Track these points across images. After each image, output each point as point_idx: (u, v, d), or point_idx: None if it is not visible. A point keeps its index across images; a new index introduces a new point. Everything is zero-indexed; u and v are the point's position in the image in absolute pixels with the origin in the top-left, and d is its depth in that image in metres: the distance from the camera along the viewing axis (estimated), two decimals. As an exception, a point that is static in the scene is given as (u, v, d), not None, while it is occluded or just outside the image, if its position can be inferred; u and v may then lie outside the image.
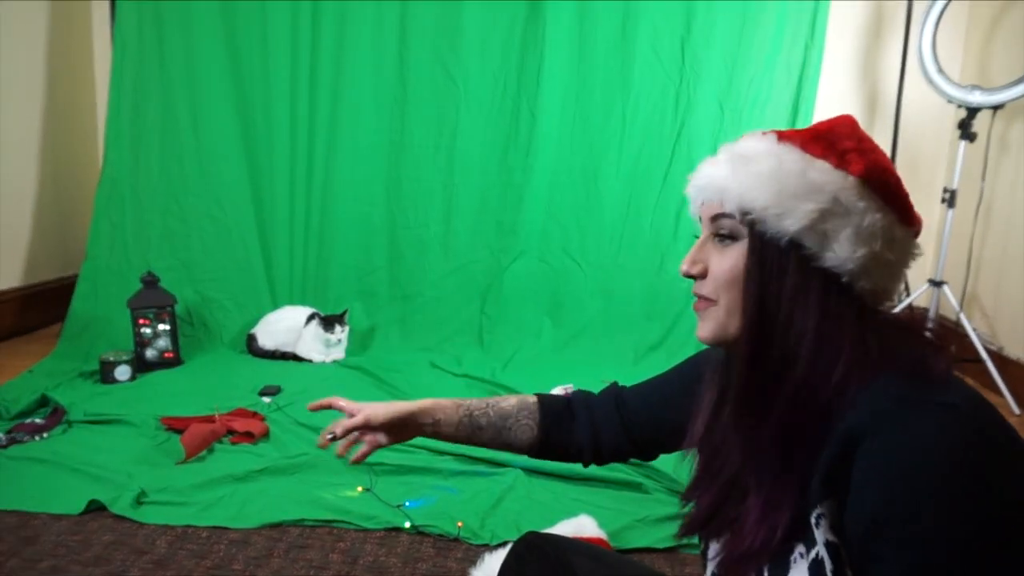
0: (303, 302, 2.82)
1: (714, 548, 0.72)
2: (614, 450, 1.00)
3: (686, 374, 0.90)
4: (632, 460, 1.06)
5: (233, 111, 2.88)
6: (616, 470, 1.74)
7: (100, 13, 3.12)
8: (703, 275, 0.68)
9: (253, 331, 2.68)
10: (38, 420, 1.96)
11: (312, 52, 2.85)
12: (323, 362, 2.60)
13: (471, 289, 2.88)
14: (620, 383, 1.02)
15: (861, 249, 0.61)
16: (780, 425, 0.62)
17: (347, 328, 2.62)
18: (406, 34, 2.84)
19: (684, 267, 0.69)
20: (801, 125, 2.79)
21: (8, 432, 1.86)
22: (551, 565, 0.86)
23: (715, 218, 0.67)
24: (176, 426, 1.91)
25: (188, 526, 1.48)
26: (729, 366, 0.70)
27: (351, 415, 1.00)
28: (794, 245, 0.62)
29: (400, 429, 1.01)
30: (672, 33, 2.79)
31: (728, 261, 0.66)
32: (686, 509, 0.77)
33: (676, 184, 2.85)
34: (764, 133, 0.68)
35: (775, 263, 0.63)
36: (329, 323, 2.58)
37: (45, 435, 1.87)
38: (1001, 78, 2.54)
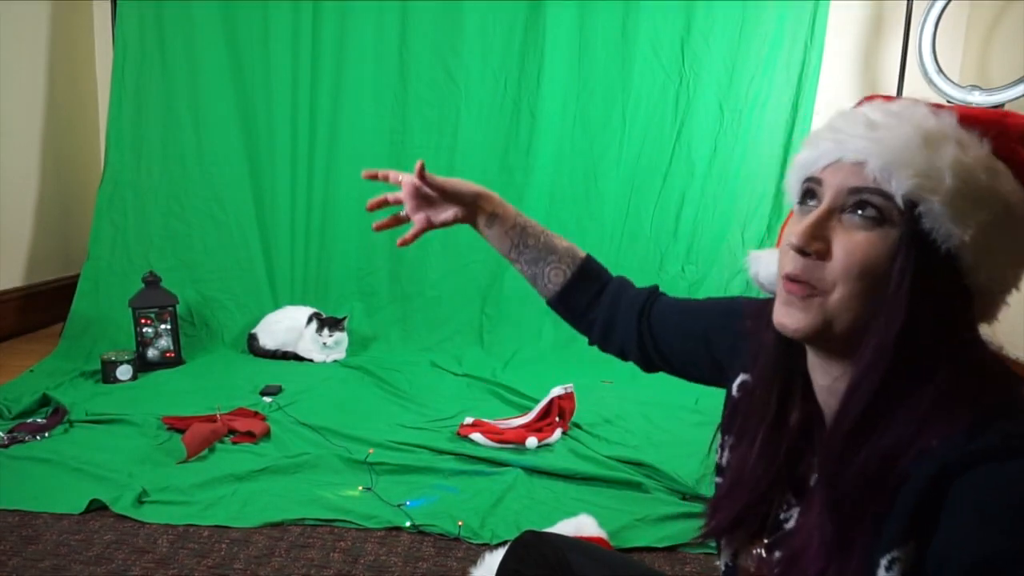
0: (304, 302, 2.82)
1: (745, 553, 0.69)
2: (620, 345, 0.97)
3: (720, 317, 0.82)
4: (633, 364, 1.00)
5: (234, 111, 2.88)
6: (616, 470, 1.75)
7: (101, 13, 3.12)
8: (822, 256, 0.56)
9: (254, 331, 2.69)
10: (39, 420, 1.97)
11: (313, 52, 2.85)
12: (324, 362, 2.60)
13: (471, 289, 2.89)
14: (661, 291, 0.98)
15: (1018, 270, 0.55)
16: (878, 452, 0.54)
17: (343, 334, 2.61)
18: (406, 34, 2.84)
19: (799, 241, 0.56)
20: (801, 125, 2.80)
21: (9, 432, 1.86)
22: (549, 565, 0.87)
23: (858, 190, 0.55)
24: (177, 426, 1.91)
25: (189, 525, 1.48)
26: (791, 359, 0.64)
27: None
28: (952, 255, 0.53)
29: (455, 201, 1.00)
30: (672, 33, 2.79)
31: (865, 247, 0.54)
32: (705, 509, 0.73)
33: (676, 184, 2.86)
34: (939, 107, 0.57)
35: (928, 270, 0.53)
36: (322, 325, 2.58)
37: (46, 435, 1.87)
38: (1001, 78, 2.54)
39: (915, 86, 2.69)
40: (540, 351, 2.74)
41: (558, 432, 1.93)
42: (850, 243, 0.55)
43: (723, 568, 0.72)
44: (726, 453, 0.74)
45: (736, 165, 2.83)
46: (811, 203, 0.59)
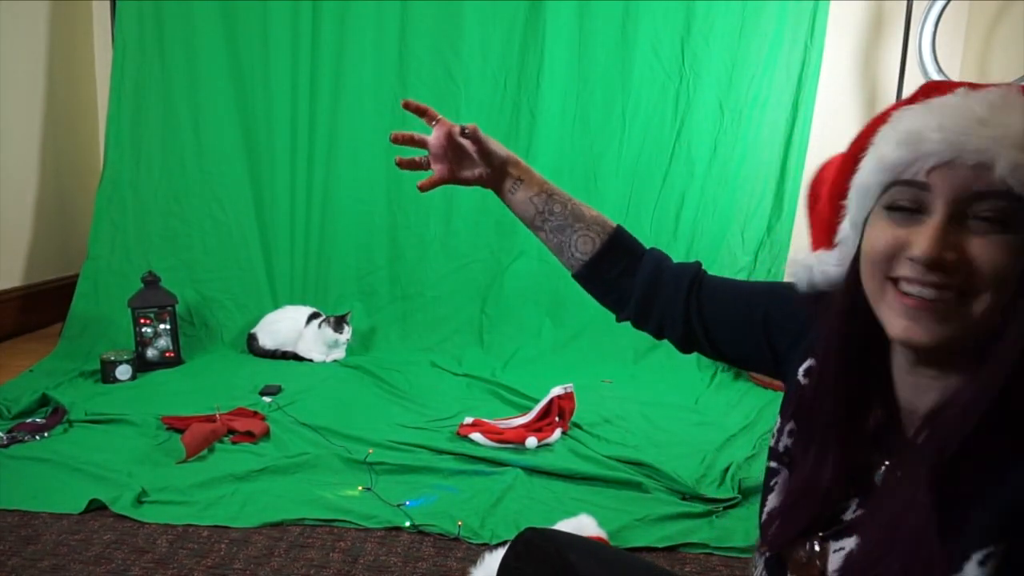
0: (304, 302, 2.82)
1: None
2: (659, 321, 0.91)
3: (781, 302, 0.79)
4: (665, 340, 0.94)
5: (234, 111, 2.88)
6: (616, 470, 1.75)
7: (101, 13, 3.12)
8: (955, 266, 0.53)
9: (254, 331, 2.69)
10: (39, 419, 1.97)
11: (312, 52, 2.85)
12: (323, 362, 2.60)
13: (471, 289, 2.89)
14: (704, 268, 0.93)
15: None
16: (986, 453, 0.53)
17: (351, 328, 2.63)
18: (406, 34, 2.84)
19: (932, 252, 0.52)
20: (801, 125, 2.80)
21: (9, 431, 1.86)
22: (550, 563, 0.86)
23: (985, 195, 0.52)
24: (177, 425, 1.91)
25: (189, 525, 1.48)
26: (867, 358, 0.63)
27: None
28: None
29: (486, 161, 0.97)
30: (672, 33, 2.79)
31: (1008, 254, 0.52)
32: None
33: (676, 184, 2.85)
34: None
35: None
36: (339, 323, 2.58)
37: (46, 434, 1.87)
38: (1000, 78, 2.55)
39: (915, 86, 2.69)
40: (540, 351, 2.74)
41: (558, 432, 1.93)
42: (990, 251, 0.52)
43: (762, 560, 0.70)
44: (784, 439, 0.72)
45: (736, 165, 2.82)
46: (908, 208, 0.56)
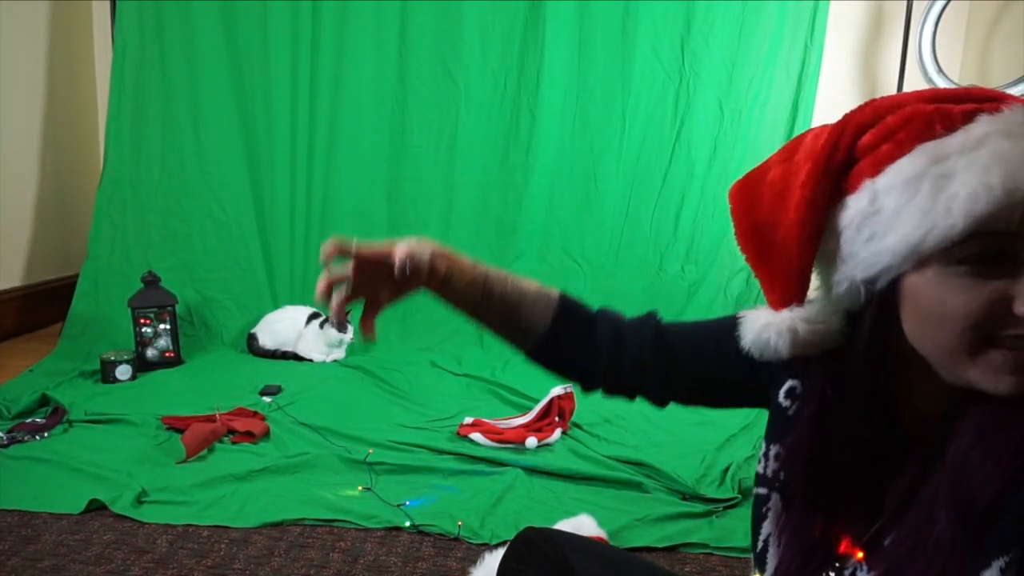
0: (303, 302, 2.82)
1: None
2: (633, 381, 0.83)
3: (726, 341, 0.74)
4: (639, 397, 0.86)
5: (234, 111, 2.88)
6: (616, 470, 1.75)
7: (101, 13, 3.12)
8: None
9: (254, 331, 2.69)
10: (39, 419, 1.96)
11: (312, 52, 2.85)
12: (323, 362, 2.60)
13: (471, 289, 2.88)
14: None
15: None
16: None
17: (352, 326, 2.64)
18: (406, 34, 2.84)
19: None
20: (801, 125, 2.80)
21: (9, 431, 1.86)
22: (551, 565, 0.86)
23: None
24: (177, 425, 1.91)
25: (189, 525, 1.48)
26: (884, 389, 0.61)
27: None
28: None
29: (418, 276, 0.80)
30: (672, 33, 2.79)
31: None
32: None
33: (676, 184, 2.86)
34: None
35: None
36: (342, 322, 2.58)
37: (46, 434, 1.87)
38: (1000, 78, 2.55)
39: (915, 86, 2.69)
40: (540, 351, 2.73)
41: (558, 432, 1.93)
42: None
43: None
44: (771, 463, 0.70)
45: (736, 165, 2.82)
46: (988, 259, 0.51)
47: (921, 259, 0.53)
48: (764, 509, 0.69)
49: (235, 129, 2.89)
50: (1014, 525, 0.51)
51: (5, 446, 1.79)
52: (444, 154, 2.90)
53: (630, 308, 2.67)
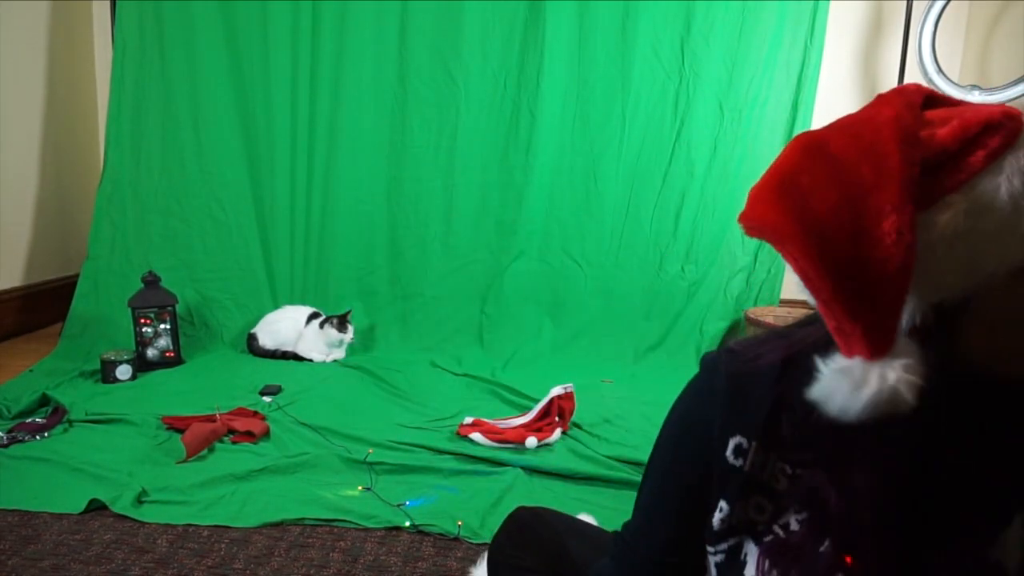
0: (304, 302, 2.82)
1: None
2: None
3: (691, 473, 0.70)
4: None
5: (234, 111, 2.88)
6: (616, 470, 1.75)
7: (101, 13, 3.12)
8: None
9: (254, 331, 2.69)
10: (39, 419, 1.97)
11: (312, 52, 2.86)
12: (324, 361, 2.60)
13: (471, 289, 2.89)
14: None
15: None
16: None
17: (353, 326, 2.64)
18: (406, 34, 2.84)
19: None
20: (801, 125, 2.80)
21: (9, 431, 1.86)
22: (547, 552, 0.86)
23: None
24: (177, 425, 1.91)
25: (189, 525, 1.48)
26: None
27: None
28: None
29: None
30: (672, 33, 2.79)
31: None
32: None
33: (676, 184, 2.86)
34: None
35: None
36: (342, 323, 2.58)
37: (46, 434, 1.87)
38: (1000, 78, 2.55)
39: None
40: (540, 351, 2.74)
41: (558, 432, 1.93)
42: None
43: None
44: (727, 517, 0.67)
45: (736, 165, 2.83)
46: None
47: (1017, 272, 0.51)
48: (742, 557, 0.67)
49: (235, 129, 2.89)
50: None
51: (5, 446, 1.79)
52: (444, 154, 2.90)
53: (630, 308, 2.68)
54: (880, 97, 0.57)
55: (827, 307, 0.53)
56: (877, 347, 0.52)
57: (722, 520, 0.67)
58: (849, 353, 0.53)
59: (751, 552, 0.66)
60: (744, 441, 0.65)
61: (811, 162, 0.55)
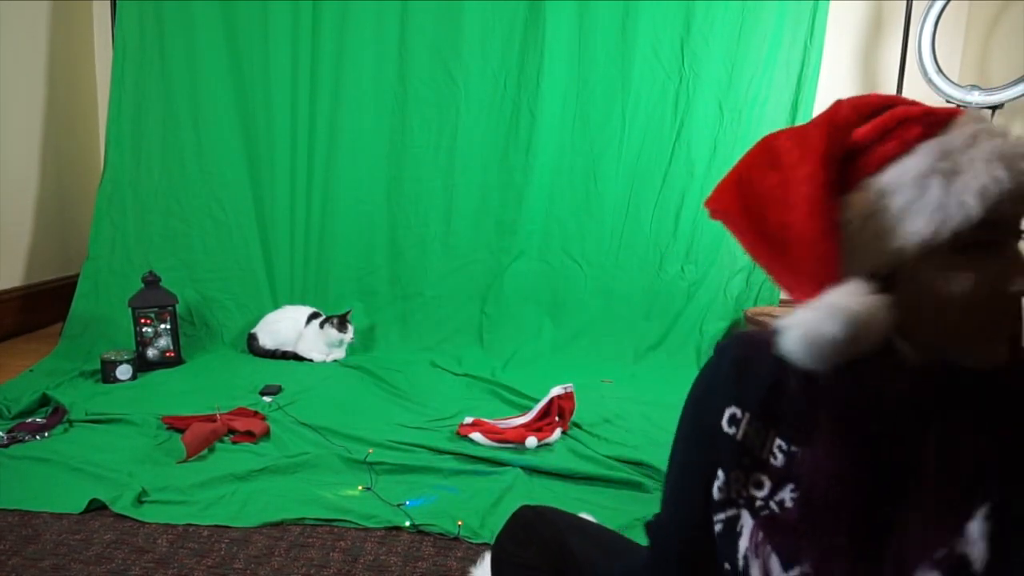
0: (304, 302, 2.82)
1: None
2: None
3: (704, 451, 0.73)
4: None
5: (234, 111, 2.88)
6: (617, 470, 1.75)
7: (101, 13, 3.12)
8: None
9: (254, 331, 2.69)
10: (39, 419, 1.97)
11: (312, 52, 2.86)
12: (324, 361, 2.60)
13: (471, 289, 2.89)
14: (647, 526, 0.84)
15: None
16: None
17: (353, 326, 2.64)
18: (406, 34, 2.84)
19: None
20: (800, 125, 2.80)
21: (9, 431, 1.86)
22: (549, 550, 0.86)
23: None
24: (177, 425, 1.91)
25: (189, 525, 1.48)
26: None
27: None
28: None
29: None
30: (672, 33, 2.79)
31: None
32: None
33: (676, 184, 2.86)
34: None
35: None
36: (342, 323, 2.58)
37: (46, 434, 1.87)
38: (1000, 78, 2.55)
39: (915, 86, 2.69)
40: (540, 351, 2.74)
41: (558, 432, 1.93)
42: None
43: None
44: (726, 488, 0.70)
45: (736, 165, 2.82)
46: (980, 244, 0.56)
47: (929, 249, 0.56)
48: (738, 528, 0.70)
49: (235, 129, 2.89)
50: (992, 475, 0.56)
51: (5, 446, 1.79)
52: (444, 154, 2.90)
53: (630, 308, 2.68)
54: (836, 102, 0.63)
55: (767, 268, 0.64)
56: (811, 290, 0.60)
57: (719, 489, 0.71)
58: (799, 300, 0.62)
59: (747, 524, 0.69)
60: (738, 411, 0.69)
61: (761, 153, 0.64)
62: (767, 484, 0.68)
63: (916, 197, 0.56)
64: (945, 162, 0.56)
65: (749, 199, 0.63)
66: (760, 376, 0.68)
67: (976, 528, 0.56)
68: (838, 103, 0.63)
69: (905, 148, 0.58)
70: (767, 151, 0.63)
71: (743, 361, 0.70)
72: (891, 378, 0.60)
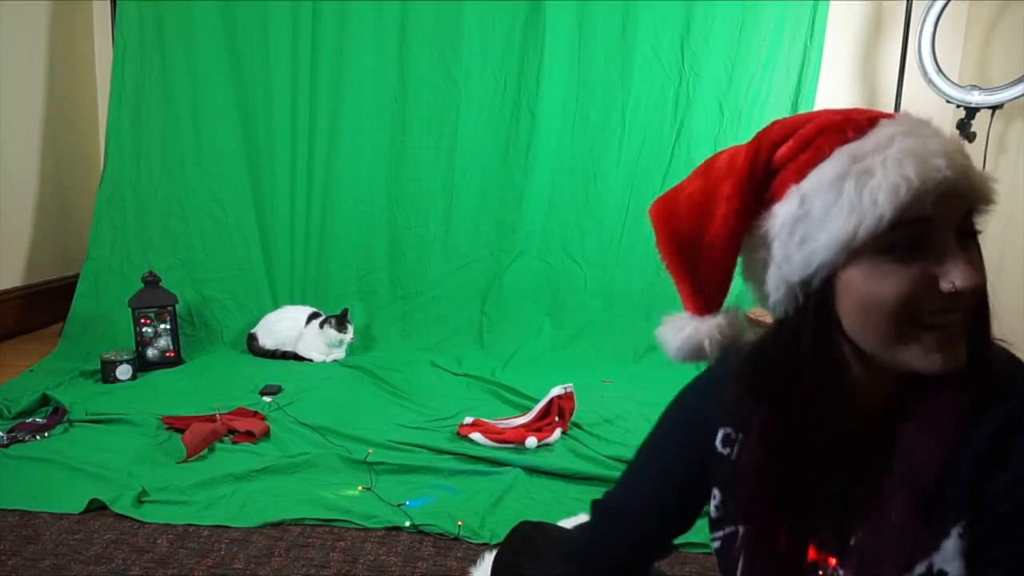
0: (303, 302, 2.82)
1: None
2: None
3: (686, 449, 0.77)
4: None
5: (234, 111, 2.88)
6: (616, 470, 1.75)
7: (101, 13, 3.12)
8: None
9: (254, 331, 2.69)
10: (39, 419, 1.97)
11: (312, 52, 2.86)
12: (324, 361, 2.60)
13: (471, 289, 2.89)
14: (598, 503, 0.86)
15: None
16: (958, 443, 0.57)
17: (352, 326, 2.64)
18: (406, 34, 2.84)
19: (974, 277, 0.56)
20: (801, 125, 2.81)
21: (9, 431, 1.86)
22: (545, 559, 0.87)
23: (969, 213, 0.58)
24: (177, 425, 1.91)
25: (189, 525, 1.48)
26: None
27: None
28: None
29: None
30: (672, 33, 2.79)
31: (980, 256, 0.59)
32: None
33: (676, 184, 2.85)
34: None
35: None
36: (341, 323, 2.58)
37: (46, 434, 1.87)
38: (1000, 78, 2.55)
39: (914, 86, 2.69)
40: (540, 351, 2.74)
41: (558, 432, 1.93)
42: (978, 258, 0.58)
43: None
44: (715, 504, 0.73)
45: (736, 165, 2.82)
46: (909, 246, 0.56)
47: (852, 252, 0.57)
48: (737, 544, 0.71)
49: (235, 129, 2.89)
50: (962, 492, 0.56)
51: (5, 446, 1.79)
52: (444, 154, 2.90)
53: (630, 308, 2.68)
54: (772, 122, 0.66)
55: (669, 271, 0.67)
56: (700, 307, 0.66)
57: (716, 508, 0.73)
58: (686, 309, 0.67)
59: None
60: (732, 431, 0.71)
61: (699, 168, 0.67)
62: None
63: (833, 200, 0.57)
64: (857, 164, 0.56)
65: (671, 209, 0.66)
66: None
67: (952, 546, 0.56)
68: (772, 123, 0.64)
69: (822, 155, 0.59)
70: (706, 162, 0.67)
71: (726, 376, 0.71)
72: (843, 390, 0.62)
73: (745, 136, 2.40)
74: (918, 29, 2.57)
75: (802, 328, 0.61)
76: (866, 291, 0.57)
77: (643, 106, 2.84)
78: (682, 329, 0.67)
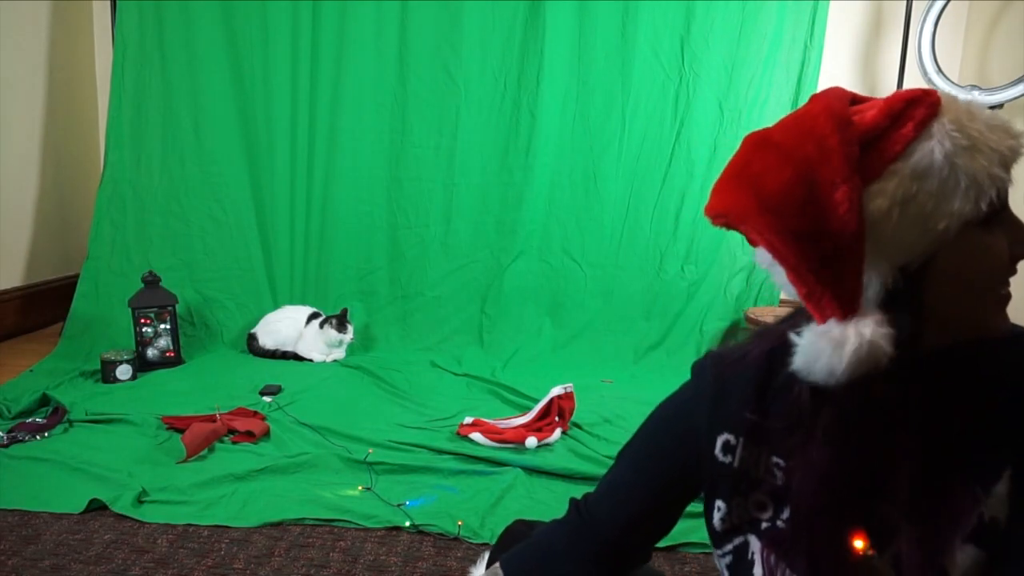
0: (303, 302, 2.82)
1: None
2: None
3: (672, 454, 0.75)
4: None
5: (234, 111, 2.88)
6: (616, 469, 1.75)
7: (101, 13, 3.12)
8: None
9: (254, 331, 2.69)
10: (39, 419, 1.97)
11: (312, 52, 2.86)
12: (323, 361, 2.60)
13: (471, 289, 2.89)
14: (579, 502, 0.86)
15: None
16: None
17: (352, 325, 2.64)
18: (406, 34, 2.84)
19: None
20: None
21: (9, 431, 1.86)
22: None
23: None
24: (177, 425, 1.91)
25: (189, 525, 1.48)
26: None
27: None
28: None
29: None
30: (672, 33, 2.79)
31: None
32: None
33: (676, 184, 2.86)
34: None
35: None
36: (341, 323, 2.58)
37: (46, 434, 1.87)
38: (1000, 78, 2.55)
39: (914, 85, 2.69)
40: (540, 351, 2.74)
41: (558, 432, 1.93)
42: None
43: None
44: (727, 516, 0.70)
45: (736, 165, 2.82)
46: (996, 218, 0.58)
47: (964, 228, 0.56)
48: (749, 556, 0.69)
49: (235, 129, 2.89)
50: (1009, 439, 0.58)
51: (5, 446, 1.79)
52: (444, 154, 2.90)
53: (630, 308, 2.68)
54: (812, 97, 0.62)
55: (796, 273, 0.58)
56: (846, 307, 0.57)
57: (722, 520, 0.70)
58: (823, 318, 0.58)
59: (756, 550, 0.68)
60: (731, 438, 0.69)
61: (759, 152, 0.61)
62: (770, 504, 0.68)
63: (949, 176, 0.55)
64: (963, 138, 0.56)
65: (766, 199, 0.59)
66: (743, 395, 0.68)
67: (1002, 490, 0.58)
68: (817, 96, 0.62)
69: (922, 129, 0.57)
70: (767, 148, 0.60)
71: (722, 382, 0.70)
72: (889, 376, 0.59)
73: (744, 135, 2.35)
74: (918, 29, 2.57)
75: (900, 317, 0.57)
76: (977, 262, 0.57)
77: (643, 106, 2.84)
78: (841, 344, 0.56)
